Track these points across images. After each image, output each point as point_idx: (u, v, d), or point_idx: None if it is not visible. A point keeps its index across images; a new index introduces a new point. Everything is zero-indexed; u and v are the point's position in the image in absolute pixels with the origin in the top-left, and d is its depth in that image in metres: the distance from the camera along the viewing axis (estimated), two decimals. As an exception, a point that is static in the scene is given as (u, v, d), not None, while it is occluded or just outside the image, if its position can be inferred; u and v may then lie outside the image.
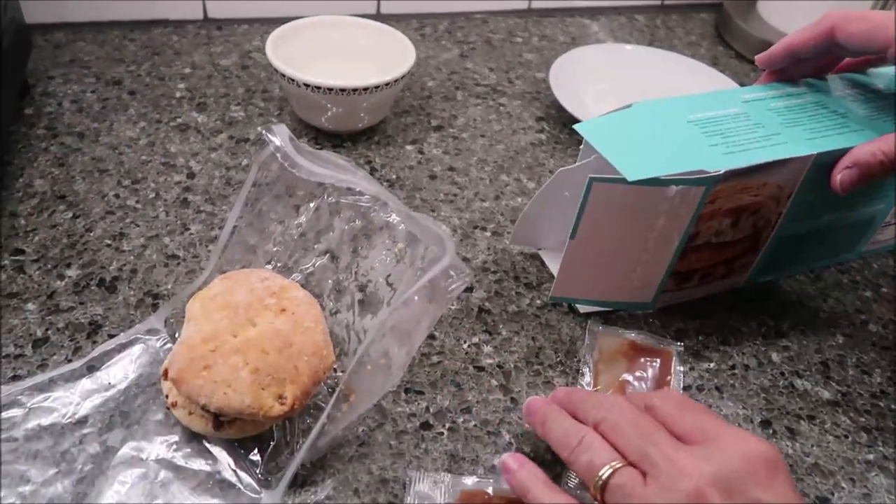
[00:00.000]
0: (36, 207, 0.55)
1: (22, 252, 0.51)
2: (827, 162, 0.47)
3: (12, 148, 0.60)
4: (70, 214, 0.54)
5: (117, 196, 0.57)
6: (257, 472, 0.39)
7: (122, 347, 0.45)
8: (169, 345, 0.45)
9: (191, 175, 0.60)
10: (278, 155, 0.43)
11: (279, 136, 0.43)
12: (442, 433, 0.43)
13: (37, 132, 0.62)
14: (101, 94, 0.68)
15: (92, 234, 0.53)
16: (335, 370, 0.44)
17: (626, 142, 0.46)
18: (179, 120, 0.66)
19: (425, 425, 0.43)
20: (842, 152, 0.46)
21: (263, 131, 0.44)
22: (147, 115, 0.66)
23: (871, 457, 0.45)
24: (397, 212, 0.43)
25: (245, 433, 0.40)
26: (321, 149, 0.64)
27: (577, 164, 0.49)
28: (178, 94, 0.69)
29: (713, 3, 0.98)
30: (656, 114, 0.49)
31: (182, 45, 0.76)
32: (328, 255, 0.48)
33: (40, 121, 0.63)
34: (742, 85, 0.79)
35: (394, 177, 0.62)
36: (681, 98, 0.51)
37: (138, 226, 0.54)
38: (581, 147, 0.51)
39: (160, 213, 0.56)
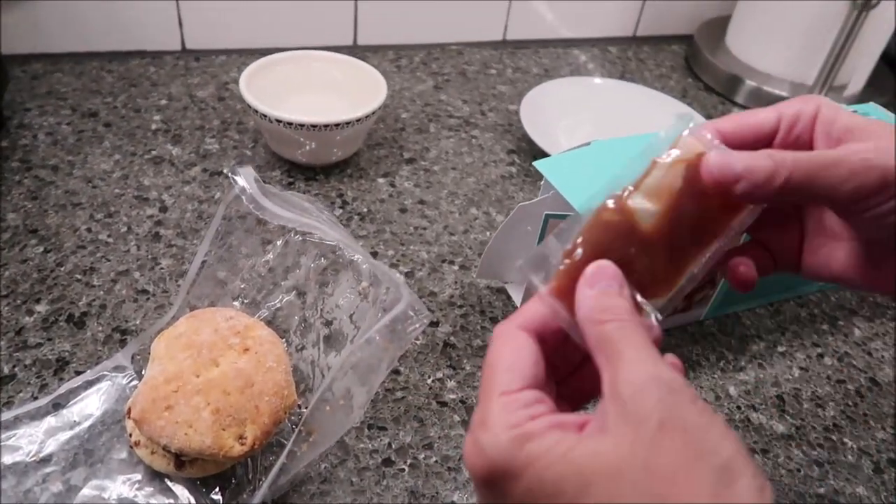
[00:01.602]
0: (7, 242, 0.55)
1: (-8, 287, 0.52)
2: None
3: (-14, 181, 0.60)
4: (41, 249, 0.55)
5: (89, 230, 0.57)
6: (218, 510, 0.40)
7: (89, 384, 0.46)
8: (135, 382, 0.46)
9: (163, 209, 0.61)
10: (243, 197, 0.44)
11: (245, 178, 0.44)
12: (403, 469, 0.44)
13: (11, 165, 0.63)
14: (76, 126, 0.68)
15: (63, 269, 0.54)
16: (299, 406, 0.45)
17: (583, 179, 0.48)
18: (154, 152, 0.67)
19: (387, 461, 0.44)
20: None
21: (229, 174, 0.45)
22: (122, 148, 0.67)
23: (822, 490, 0.46)
24: (356, 255, 0.44)
25: (206, 472, 0.40)
26: (293, 182, 0.65)
27: (536, 199, 0.51)
28: (153, 126, 0.70)
29: (685, 35, 1.00)
30: (614, 152, 0.51)
31: (159, 77, 0.77)
32: (295, 291, 0.49)
33: (15, 153, 0.64)
34: (709, 117, 0.81)
35: (365, 210, 0.63)
36: (638, 136, 0.53)
37: (109, 260, 0.55)
38: (542, 183, 0.53)
39: (131, 247, 0.56)
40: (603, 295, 0.27)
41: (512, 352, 0.28)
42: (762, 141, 0.33)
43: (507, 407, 0.26)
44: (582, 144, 0.51)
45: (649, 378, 0.24)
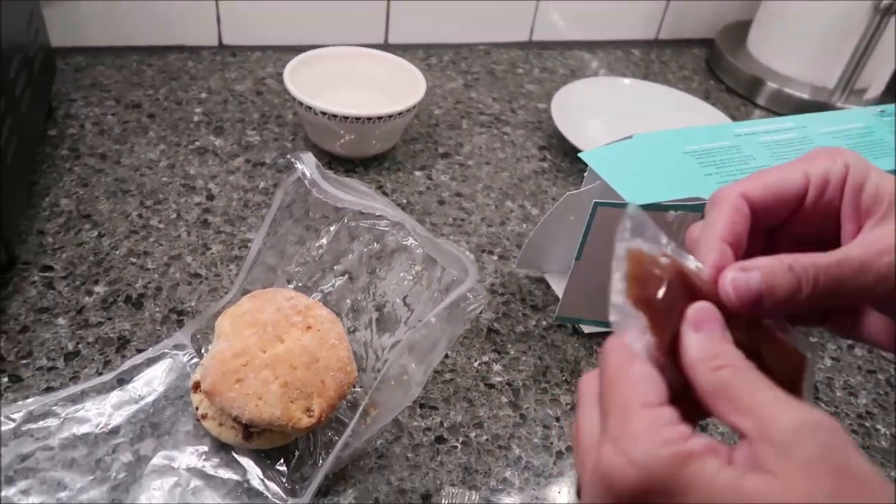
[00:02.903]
0: (63, 226, 0.57)
1: (51, 269, 0.53)
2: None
3: (38, 168, 0.62)
4: (95, 233, 0.57)
5: (140, 216, 0.59)
6: (284, 481, 0.41)
7: (151, 361, 0.47)
8: (195, 359, 0.48)
9: (210, 197, 0.62)
10: (306, 181, 0.46)
11: (306, 163, 0.46)
12: (455, 447, 0.45)
13: (61, 153, 0.64)
14: (121, 116, 0.70)
15: (117, 253, 0.55)
16: (354, 385, 0.47)
17: (628, 170, 0.50)
18: (198, 143, 0.68)
19: (440, 439, 0.46)
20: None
21: (291, 158, 0.46)
22: (166, 139, 0.68)
23: (857, 473, 0.47)
24: (417, 236, 0.46)
25: (272, 444, 0.42)
26: (335, 174, 0.67)
27: (582, 189, 0.52)
28: (195, 119, 0.72)
29: (705, 38, 1.02)
30: (655, 145, 0.53)
31: (198, 71, 0.79)
32: (346, 275, 0.51)
33: (64, 142, 0.66)
34: (732, 118, 0.83)
35: (404, 201, 0.65)
36: (677, 131, 0.54)
37: (161, 245, 0.57)
38: (585, 174, 0.54)
39: (182, 232, 0.58)
40: (710, 341, 0.26)
41: (638, 364, 0.27)
42: (791, 206, 0.31)
43: (657, 421, 0.25)
44: (624, 137, 0.53)
45: (804, 420, 0.23)
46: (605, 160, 0.51)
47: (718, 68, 0.96)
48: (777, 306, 0.28)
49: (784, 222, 0.32)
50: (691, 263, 0.29)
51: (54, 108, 0.69)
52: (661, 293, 0.27)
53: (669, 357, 0.27)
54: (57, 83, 0.72)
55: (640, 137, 0.53)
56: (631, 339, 0.27)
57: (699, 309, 0.27)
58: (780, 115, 0.88)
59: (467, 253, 0.41)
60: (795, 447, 0.23)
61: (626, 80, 0.84)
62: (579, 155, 0.51)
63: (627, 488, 0.24)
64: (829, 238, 0.31)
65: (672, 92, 0.84)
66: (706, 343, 0.26)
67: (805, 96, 0.88)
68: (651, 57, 0.98)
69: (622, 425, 0.25)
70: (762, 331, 0.29)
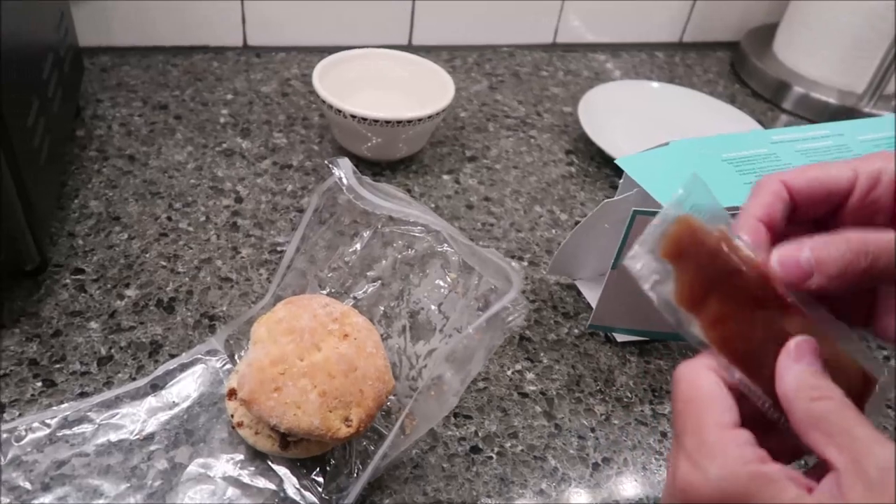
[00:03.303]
0: (93, 228, 0.57)
1: (82, 272, 0.53)
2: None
3: (67, 169, 0.62)
4: (125, 236, 0.57)
5: (169, 218, 0.59)
6: (320, 491, 0.41)
7: (184, 367, 0.47)
8: (228, 365, 0.47)
9: (238, 199, 0.62)
10: (343, 187, 0.45)
11: (343, 169, 0.46)
12: (491, 457, 0.45)
13: (89, 154, 0.64)
14: (148, 118, 0.70)
15: (147, 256, 0.55)
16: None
17: (666, 177, 0.49)
18: (225, 145, 0.68)
19: (475, 449, 0.45)
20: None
21: (328, 163, 0.46)
22: (193, 140, 0.68)
23: None
24: (455, 243, 0.45)
25: (308, 453, 0.41)
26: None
27: (618, 196, 0.52)
28: (221, 120, 0.71)
29: (730, 41, 1.01)
30: (692, 152, 0.52)
31: (223, 72, 0.79)
32: (379, 282, 0.50)
33: (91, 143, 0.66)
34: (759, 122, 0.82)
35: (433, 206, 0.65)
36: (714, 137, 0.54)
37: (191, 248, 0.56)
38: (620, 181, 0.54)
39: (211, 236, 0.58)
40: (811, 374, 0.27)
41: (711, 387, 0.27)
42: (835, 200, 0.31)
43: (734, 440, 0.25)
44: (660, 144, 0.53)
45: None
46: (642, 167, 0.50)
47: (744, 72, 0.95)
48: (829, 280, 0.27)
49: (829, 216, 0.32)
50: (741, 243, 0.29)
51: (81, 108, 0.69)
52: (702, 254, 0.28)
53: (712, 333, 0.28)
54: (84, 83, 0.72)
55: (676, 144, 0.52)
56: (650, 284, 0.29)
57: (801, 341, 0.27)
58: (807, 119, 0.88)
59: (513, 263, 0.41)
60: (887, 486, 0.23)
61: (654, 84, 0.83)
62: (616, 161, 0.51)
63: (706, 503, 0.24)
64: None
65: (698, 96, 0.83)
66: (807, 375, 0.26)
67: (832, 101, 0.87)
68: (675, 60, 0.97)
69: (699, 442, 0.26)
70: (827, 343, 0.29)
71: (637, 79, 0.90)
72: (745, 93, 0.92)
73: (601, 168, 0.72)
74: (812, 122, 0.87)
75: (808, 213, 0.32)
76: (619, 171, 0.50)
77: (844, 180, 0.30)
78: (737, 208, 0.47)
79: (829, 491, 0.24)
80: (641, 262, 0.29)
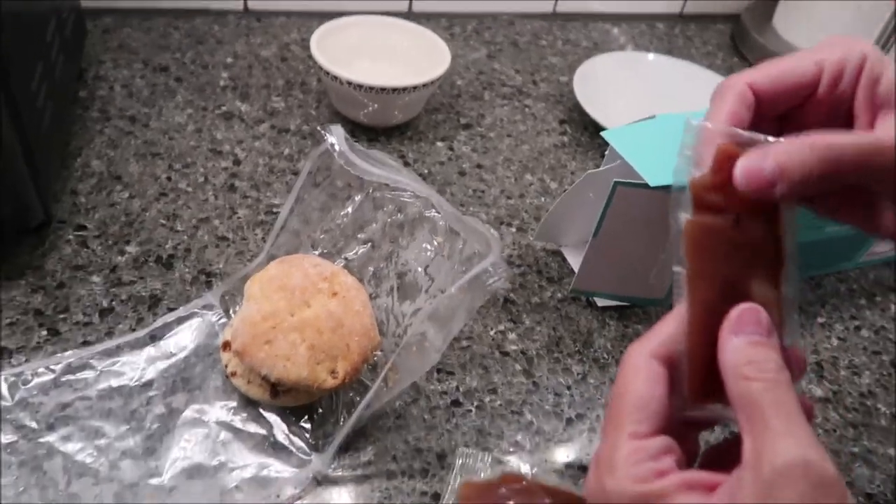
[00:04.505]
0: (94, 187, 0.59)
1: (84, 228, 0.55)
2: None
3: (69, 129, 0.63)
4: (126, 194, 0.59)
5: (169, 179, 0.61)
6: (308, 437, 0.44)
7: (181, 320, 0.49)
8: (223, 319, 0.50)
9: (236, 162, 0.64)
10: (335, 153, 0.47)
11: (336, 136, 0.47)
12: (470, 410, 0.48)
13: (91, 114, 0.66)
14: (149, 79, 0.71)
15: (147, 214, 0.57)
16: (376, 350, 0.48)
17: (649, 150, 0.50)
18: (224, 108, 0.70)
19: (455, 402, 0.48)
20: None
21: (321, 129, 0.48)
22: (193, 102, 0.69)
23: (856, 450, 0.49)
24: (442, 210, 0.47)
25: (297, 402, 0.44)
26: (356, 142, 0.68)
27: (602, 168, 0.53)
28: (221, 83, 0.73)
29: (730, 14, 1.01)
30: (678, 125, 0.53)
31: (224, 35, 0.80)
32: (369, 244, 0.52)
33: (94, 104, 0.67)
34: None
35: (425, 171, 0.66)
36: (701, 112, 0.55)
37: (190, 208, 0.58)
38: (606, 152, 0.55)
39: (209, 196, 0.60)
40: (750, 346, 0.26)
41: (643, 385, 0.27)
42: (801, 95, 0.31)
43: (636, 454, 0.26)
44: (647, 117, 0.54)
45: (797, 463, 0.23)
46: (626, 140, 0.52)
47: (743, 45, 0.95)
48: (793, 187, 0.27)
49: (794, 111, 0.32)
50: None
51: (84, 69, 0.71)
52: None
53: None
54: (86, 45, 0.73)
55: (662, 118, 0.54)
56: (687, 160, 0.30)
57: (743, 310, 0.27)
58: (803, 94, 0.89)
59: (492, 231, 0.43)
60: (774, 488, 0.22)
61: (650, 56, 0.84)
62: (602, 134, 0.52)
63: None
64: (840, 128, 0.31)
65: (695, 69, 0.84)
66: (743, 349, 0.26)
67: (829, 76, 0.88)
68: (675, 31, 0.97)
69: (608, 451, 0.26)
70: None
71: (636, 50, 0.91)
72: (742, 66, 0.92)
73: (593, 138, 0.74)
74: (806, 96, 0.88)
75: (773, 111, 0.32)
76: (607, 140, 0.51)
77: (809, 76, 0.31)
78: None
79: (729, 490, 0.24)
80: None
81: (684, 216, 0.30)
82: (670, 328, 0.29)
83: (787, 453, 0.23)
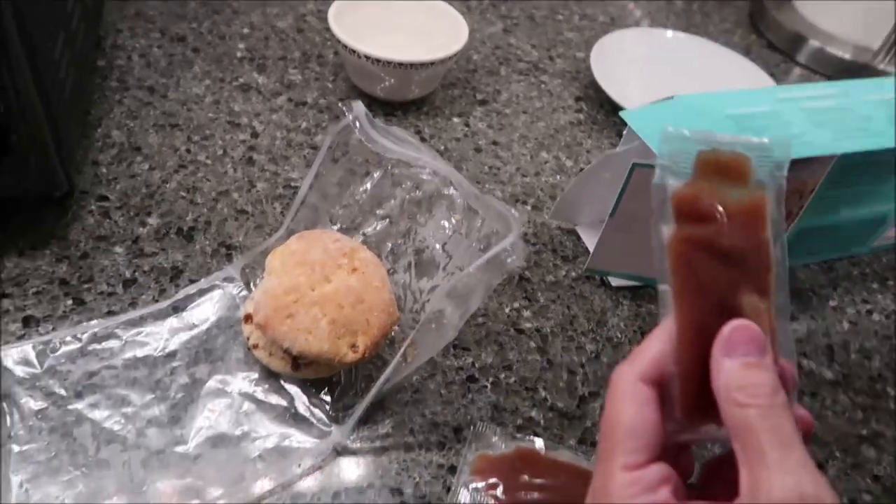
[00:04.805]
0: (115, 157, 0.59)
1: (106, 199, 0.56)
2: (849, 163, 0.51)
3: (90, 99, 0.64)
4: (146, 166, 0.59)
5: (188, 151, 0.61)
6: (328, 409, 0.45)
7: (203, 292, 0.50)
8: (244, 292, 0.50)
9: (254, 135, 0.64)
10: (356, 129, 0.47)
11: (356, 112, 0.48)
12: (486, 386, 0.49)
13: (110, 84, 0.66)
14: (166, 49, 0.71)
15: (168, 186, 0.58)
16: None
17: (668, 132, 0.51)
18: (241, 80, 0.70)
19: (471, 378, 0.49)
20: (864, 154, 0.51)
21: (343, 106, 0.48)
22: (211, 74, 0.70)
23: (864, 432, 0.50)
24: (461, 188, 0.48)
25: (317, 375, 0.45)
26: (374, 117, 0.68)
27: (620, 149, 0.53)
28: (238, 54, 0.73)
29: (750, -10, 1.00)
30: (696, 107, 0.53)
31: (240, 5, 0.79)
32: (387, 220, 0.53)
33: (112, 73, 0.67)
34: (771, 75, 0.82)
35: (441, 148, 0.66)
36: (720, 93, 0.55)
37: (209, 180, 0.59)
38: (624, 133, 0.55)
39: (228, 169, 0.60)
40: (743, 368, 0.25)
41: (634, 412, 0.27)
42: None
43: (632, 487, 0.25)
44: (665, 98, 0.54)
45: (793, 496, 0.23)
46: (645, 120, 0.52)
47: (761, 23, 0.94)
48: None
49: None
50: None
51: (101, 38, 0.71)
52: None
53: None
54: (104, 13, 0.73)
55: (681, 98, 0.54)
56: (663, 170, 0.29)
57: (734, 328, 0.26)
58: (820, 74, 0.88)
59: (513, 211, 0.43)
60: None
61: (669, 33, 0.83)
62: (620, 114, 0.52)
63: None
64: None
65: (712, 46, 0.83)
66: (736, 372, 0.25)
67: (847, 56, 0.87)
68: (693, 7, 0.96)
69: (602, 481, 0.26)
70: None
71: (653, 26, 0.90)
72: (760, 44, 0.92)
73: (609, 116, 0.74)
74: (824, 76, 0.87)
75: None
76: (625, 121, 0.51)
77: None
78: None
79: None
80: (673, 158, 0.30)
81: (666, 230, 0.29)
82: (657, 347, 0.28)
83: (783, 486, 0.23)
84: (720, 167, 0.29)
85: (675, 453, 0.28)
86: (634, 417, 0.27)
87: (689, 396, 0.27)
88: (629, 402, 0.27)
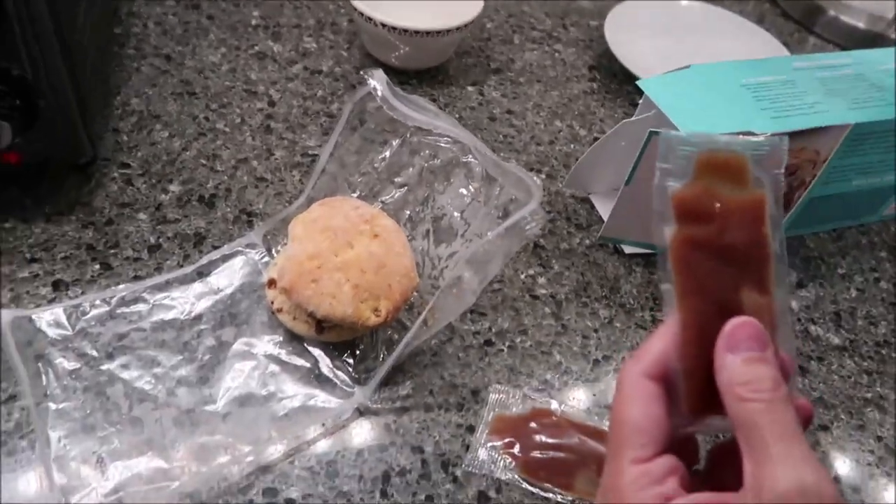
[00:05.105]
0: (135, 125, 0.60)
1: (128, 166, 0.57)
2: (863, 132, 0.52)
3: (109, 66, 0.64)
4: (166, 134, 0.60)
5: (206, 119, 0.62)
6: (351, 371, 0.46)
7: (226, 258, 0.51)
8: (266, 258, 0.52)
9: (271, 103, 0.65)
10: (377, 97, 0.48)
11: (378, 80, 0.48)
12: (502, 350, 0.50)
13: (127, 52, 0.67)
14: (181, 16, 0.72)
15: (188, 154, 0.59)
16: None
17: (684, 100, 0.51)
18: (257, 48, 0.70)
19: (488, 342, 0.50)
20: (878, 123, 0.52)
21: (364, 74, 0.48)
22: (227, 42, 0.70)
23: (868, 395, 0.52)
24: (480, 155, 0.48)
25: (340, 338, 0.46)
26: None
27: (636, 117, 0.54)
28: (253, 22, 0.73)
29: (765, -43, 0.99)
30: (712, 76, 0.54)
31: (253, -28, 0.79)
32: (405, 188, 0.54)
33: (129, 41, 0.68)
34: (785, 44, 0.82)
35: (457, 116, 0.67)
36: (735, 63, 0.55)
37: (228, 148, 0.60)
38: (640, 101, 0.56)
39: (247, 137, 0.61)
40: (745, 363, 0.26)
41: (641, 408, 0.27)
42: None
43: (641, 480, 0.26)
44: (682, 67, 0.54)
45: (795, 488, 0.23)
46: (661, 89, 0.52)
47: (776, -9, 0.93)
48: None
49: None
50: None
51: (117, 5, 0.71)
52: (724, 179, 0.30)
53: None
54: (118, -21, 0.73)
55: (697, 67, 0.54)
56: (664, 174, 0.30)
57: (736, 325, 0.27)
58: (834, 43, 0.88)
59: (534, 178, 0.44)
60: None
61: (683, 2, 0.83)
62: (637, 83, 0.53)
63: None
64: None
65: (727, 15, 0.83)
66: (739, 367, 0.26)
67: (861, 25, 0.87)
68: (707, -25, 0.95)
69: (612, 476, 0.27)
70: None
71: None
72: (774, 13, 0.91)
73: (623, 85, 0.74)
74: (838, 46, 0.87)
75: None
76: (640, 90, 0.52)
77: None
78: (749, 133, 0.49)
79: None
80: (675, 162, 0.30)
81: (668, 231, 0.30)
82: (662, 344, 0.29)
83: (786, 479, 0.24)
84: (719, 167, 0.30)
85: (682, 444, 0.29)
86: (641, 414, 0.28)
87: (694, 393, 0.28)
88: (636, 400, 0.28)
